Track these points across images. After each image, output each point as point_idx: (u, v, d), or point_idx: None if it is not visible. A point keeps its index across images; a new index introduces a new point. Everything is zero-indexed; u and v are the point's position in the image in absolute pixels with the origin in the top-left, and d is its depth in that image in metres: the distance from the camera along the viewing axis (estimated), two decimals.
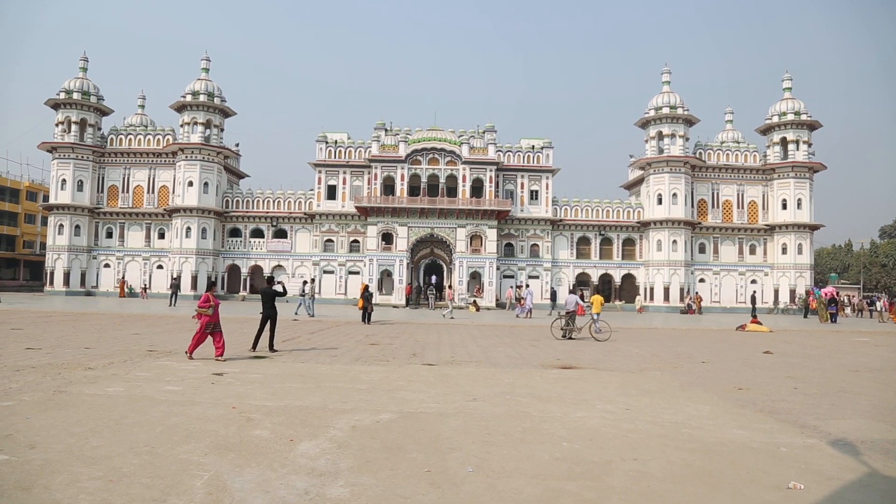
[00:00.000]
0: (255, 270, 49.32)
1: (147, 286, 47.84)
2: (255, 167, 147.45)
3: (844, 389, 10.91)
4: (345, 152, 48.39)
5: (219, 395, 8.66)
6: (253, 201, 49.75)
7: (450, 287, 43.20)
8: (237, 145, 53.62)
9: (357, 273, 47.53)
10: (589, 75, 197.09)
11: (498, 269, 47.10)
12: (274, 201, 49.57)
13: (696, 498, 5.01)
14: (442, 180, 46.44)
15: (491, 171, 46.46)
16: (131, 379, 9.84)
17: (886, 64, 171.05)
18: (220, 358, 12.19)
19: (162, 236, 49.66)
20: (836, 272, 76.05)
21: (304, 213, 48.78)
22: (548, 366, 13.12)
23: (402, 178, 46.22)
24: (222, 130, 49.28)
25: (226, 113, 49.42)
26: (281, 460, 5.66)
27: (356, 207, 46.07)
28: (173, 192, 48.85)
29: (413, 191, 46.79)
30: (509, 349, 16.41)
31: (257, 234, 49.89)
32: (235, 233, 50.05)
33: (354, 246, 48.42)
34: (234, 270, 49.64)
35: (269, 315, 14.11)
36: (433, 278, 44.33)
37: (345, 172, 48.30)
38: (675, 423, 7.74)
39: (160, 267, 49.05)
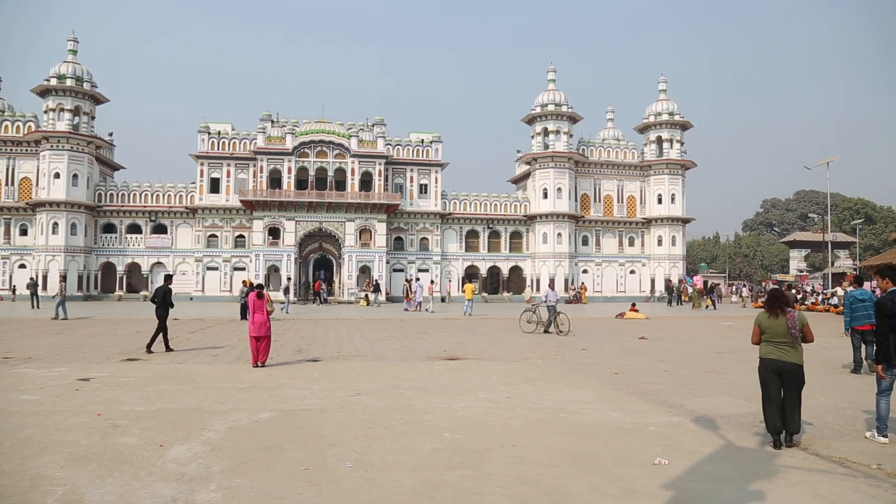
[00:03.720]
0: (133, 268, 46.58)
1: (13, 287, 43.80)
2: (132, 159, 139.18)
3: (709, 370, 11.68)
4: (229, 144, 46.53)
5: (83, 403, 8.10)
6: (129, 195, 46.81)
7: (407, 280, 42.05)
8: (111, 135, 50.38)
9: (243, 269, 45.93)
10: (478, 71, 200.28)
11: (388, 262, 47.00)
12: (153, 195, 46.86)
13: (570, 479, 5.19)
14: (330, 173, 45.73)
15: (380, 164, 46.25)
16: None
17: (748, 72, 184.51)
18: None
19: (25, 233, 45.83)
20: (706, 262, 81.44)
21: (186, 208, 46.55)
22: (434, 358, 13.22)
23: (290, 171, 45.12)
24: (94, 118, 46.01)
25: (97, 99, 46.15)
26: (148, 468, 5.36)
27: (241, 201, 44.52)
28: (37, 184, 45.08)
29: (301, 184, 45.78)
30: (397, 343, 16.40)
31: (134, 229, 46.99)
32: (110, 228, 46.91)
33: (240, 241, 46.78)
34: (108, 269, 46.56)
35: (162, 315, 13.82)
36: (322, 273, 43.65)
37: (229, 165, 46.50)
38: (553, 408, 8.00)
39: (23, 266, 45.19)
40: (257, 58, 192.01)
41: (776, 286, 8.55)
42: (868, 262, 41.54)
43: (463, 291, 30.87)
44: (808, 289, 47.79)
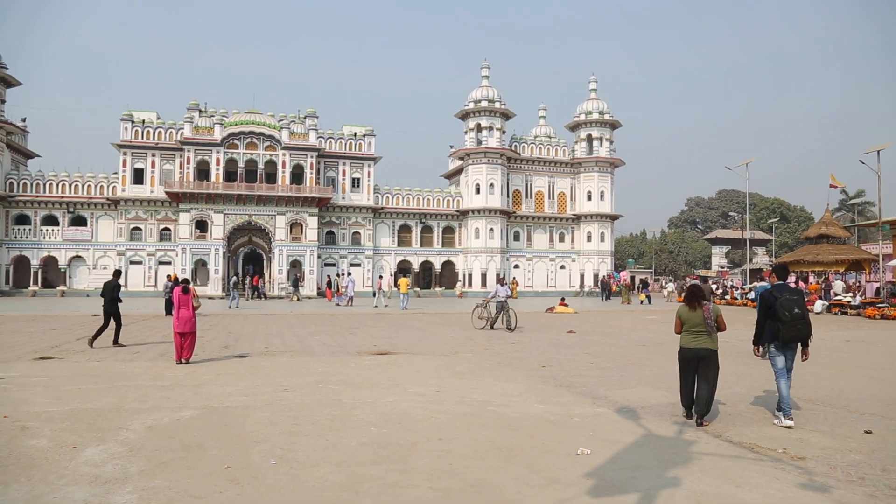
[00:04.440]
0: (49, 262, 44.36)
1: None
2: (48, 147, 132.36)
3: (633, 362, 12.04)
4: (154, 133, 44.86)
5: None
6: (45, 184, 44.44)
7: (338, 275, 41.08)
8: (24, 120, 47.86)
9: (168, 263, 44.48)
10: (412, 66, 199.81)
11: (319, 257, 46.45)
12: (71, 185, 44.64)
13: (495, 471, 5.25)
14: (261, 166, 44.77)
15: (312, 157, 45.59)
16: None
17: (674, 74, 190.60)
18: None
19: None
20: (633, 258, 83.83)
21: (108, 199, 44.64)
22: (364, 353, 13.15)
23: (218, 163, 43.92)
24: (3, 102, 43.53)
25: (8, 82, 43.59)
26: (59, 471, 5.12)
27: (167, 193, 43.02)
28: None
29: (230, 176, 44.63)
30: (327, 337, 16.23)
31: (51, 221, 44.67)
32: (23, 220, 44.44)
33: (165, 234, 45.25)
34: (21, 263, 44.17)
35: (113, 311, 13.63)
36: (251, 268, 42.74)
37: (154, 155, 44.86)
38: (481, 401, 8.08)
39: None
40: (185, 46, 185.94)
41: (695, 282, 9.09)
42: (782, 258, 43.67)
43: (398, 286, 30.95)
44: (729, 284, 49.90)
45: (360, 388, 8.96)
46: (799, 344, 7.20)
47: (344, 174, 48.16)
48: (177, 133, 44.66)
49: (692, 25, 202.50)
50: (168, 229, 45.17)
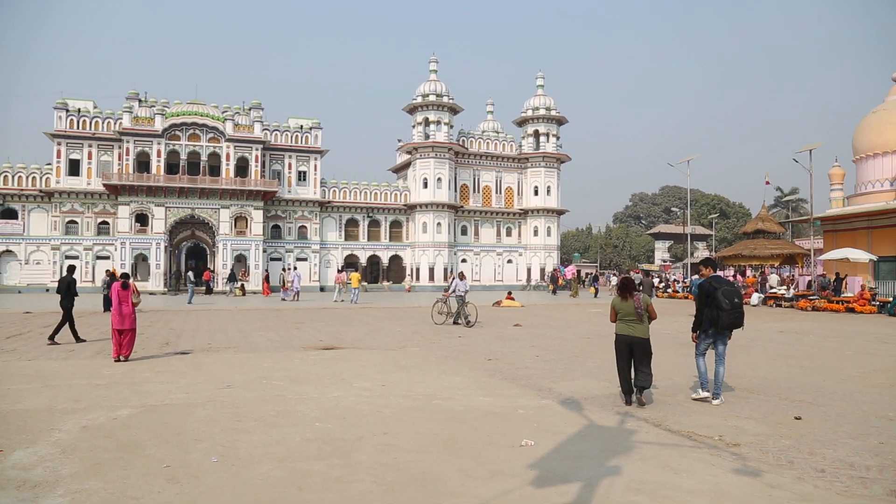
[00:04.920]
0: None
1: None
2: None
3: (577, 355, 12.24)
4: (91, 123, 43.22)
5: None
6: None
7: (284, 270, 40.22)
8: None
9: (107, 258, 42.99)
10: (360, 59, 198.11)
11: (265, 251, 45.67)
12: (0, 175, 42.76)
13: (439, 464, 5.27)
14: (204, 158, 43.74)
15: (257, 149, 44.77)
16: None
17: (619, 71, 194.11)
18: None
19: None
20: (579, 252, 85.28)
21: (40, 191, 42.85)
22: (309, 348, 13.01)
23: (159, 155, 42.70)
24: None
25: None
26: None
27: (105, 185, 41.56)
28: None
29: (172, 168, 43.46)
30: (272, 333, 16.00)
31: None
32: None
33: (103, 228, 43.74)
34: None
35: (68, 305, 13.63)
36: (193, 262, 41.75)
37: (91, 146, 43.25)
38: (427, 395, 8.09)
39: None
40: (123, 34, 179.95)
41: (627, 275, 9.56)
42: (722, 252, 45.04)
43: (349, 280, 30.86)
44: (671, 277, 51.21)
45: (305, 383, 8.86)
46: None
47: (290, 167, 47.46)
48: (115, 123, 43.17)
49: (639, 24, 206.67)
50: (106, 223, 43.69)
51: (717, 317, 7.59)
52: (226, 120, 44.08)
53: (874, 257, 30.16)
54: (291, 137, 47.49)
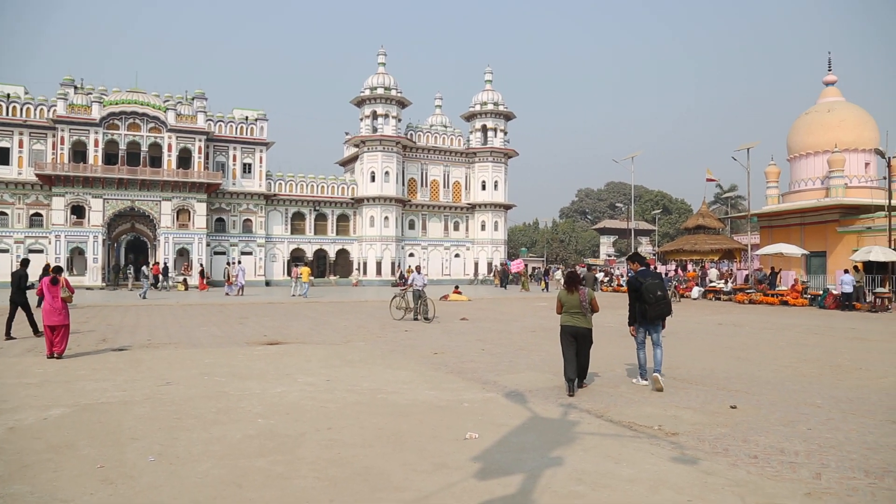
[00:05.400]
0: None
1: None
2: None
3: (522, 348, 12.36)
4: (21, 110, 41.30)
5: None
6: None
7: (229, 264, 38.96)
8: None
9: (41, 251, 41.19)
10: (307, 51, 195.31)
11: (208, 245, 44.63)
12: None
13: (383, 458, 5.24)
14: (144, 148, 42.42)
15: (200, 140, 43.68)
16: None
17: (565, 69, 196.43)
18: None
19: None
20: (526, 247, 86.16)
21: None
22: (253, 343, 12.79)
23: (97, 144, 41.22)
24: None
25: None
26: None
27: (37, 175, 39.82)
28: None
29: (110, 159, 42.00)
30: (215, 328, 15.66)
31: None
32: None
33: (36, 220, 41.95)
34: None
35: (21, 301, 13.50)
36: (132, 256, 40.53)
37: (21, 133, 41.34)
38: (372, 389, 8.04)
39: None
40: (59, 17, 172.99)
41: (571, 270, 9.90)
42: (664, 247, 46.18)
43: (300, 275, 30.61)
44: (616, 272, 52.19)
45: (248, 379, 8.70)
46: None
47: (234, 159, 46.47)
48: (49, 111, 41.37)
49: (586, 24, 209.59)
50: (39, 215, 41.93)
51: (644, 310, 8.14)
52: (168, 109, 42.84)
53: (806, 252, 31.38)
54: (236, 129, 46.48)
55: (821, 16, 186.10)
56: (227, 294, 31.57)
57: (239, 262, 36.84)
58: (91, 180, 40.56)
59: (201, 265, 41.08)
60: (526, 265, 54.66)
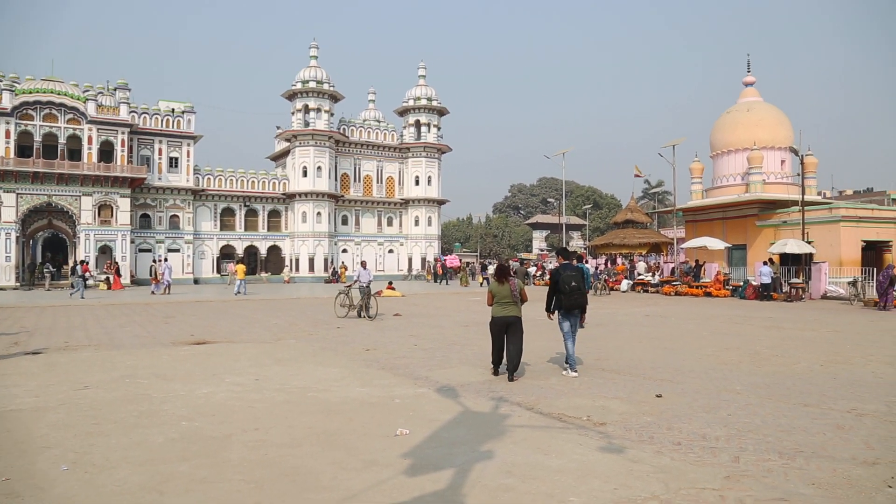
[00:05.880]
0: None
1: None
2: None
3: (455, 342, 12.40)
4: None
5: None
6: None
7: (155, 261, 36.60)
8: None
9: None
10: (237, 42, 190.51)
11: (132, 242, 42.99)
12: None
13: (312, 457, 5.14)
14: (62, 140, 40.44)
15: (123, 133, 41.97)
16: None
17: (498, 65, 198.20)
18: None
19: None
20: (460, 242, 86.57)
21: None
22: (179, 343, 12.37)
23: (9, 136, 39.02)
24: None
25: None
26: None
27: None
28: None
29: (24, 151, 39.81)
30: (138, 329, 15.08)
31: None
32: None
33: None
34: None
35: None
36: (49, 254, 38.62)
37: None
38: (302, 388, 7.90)
39: None
40: None
41: (502, 263, 10.25)
42: (595, 241, 47.19)
43: (235, 272, 30.12)
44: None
45: (173, 380, 8.40)
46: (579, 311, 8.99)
47: (160, 153, 44.86)
48: None
49: (520, 21, 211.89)
50: None
51: (560, 299, 8.74)
52: (87, 100, 40.95)
53: (728, 245, 32.68)
54: (162, 121, 44.88)
55: (738, 20, 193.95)
56: (153, 293, 30.47)
57: (165, 260, 35.56)
58: (2, 174, 38.43)
59: (116, 263, 38.97)
60: (461, 260, 55.02)
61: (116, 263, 38.85)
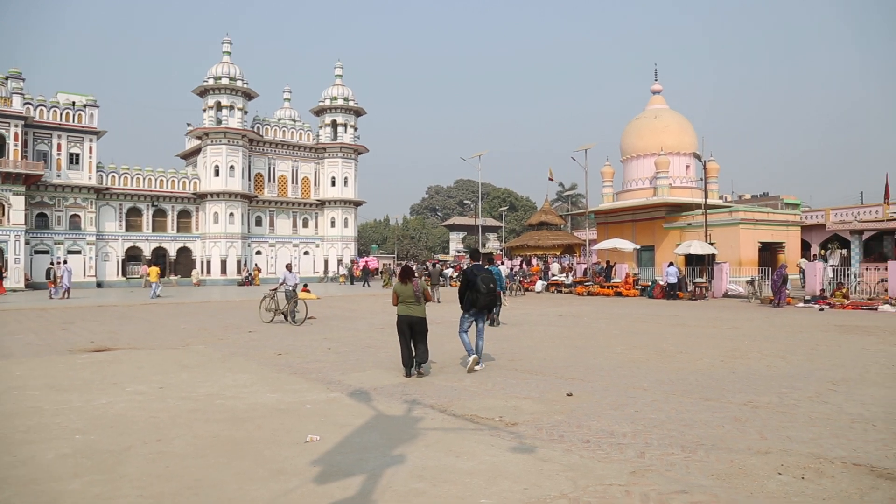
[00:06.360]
0: None
1: None
2: None
3: (370, 345, 12.27)
4: None
5: None
6: None
7: (53, 264, 33.87)
8: None
9: None
10: (145, 34, 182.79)
11: (28, 243, 40.38)
12: None
13: (217, 468, 4.94)
14: None
15: (17, 126, 39.36)
16: None
17: (417, 64, 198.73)
18: None
19: None
20: (377, 243, 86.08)
21: None
22: (78, 350, 11.69)
23: None
24: None
25: None
26: None
27: None
28: None
29: None
30: (32, 336, 14.16)
31: None
32: None
33: None
34: None
35: None
36: None
37: None
38: (209, 395, 7.61)
39: None
40: None
41: (406, 264, 10.35)
42: (510, 243, 47.91)
43: (148, 274, 29.40)
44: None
45: (68, 391, 7.92)
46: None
47: (59, 148, 42.40)
48: None
49: (436, 23, 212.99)
50: None
51: (475, 299, 9.10)
52: None
53: (637, 246, 33.93)
54: (61, 115, 42.40)
55: (646, 34, 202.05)
56: (51, 297, 28.74)
57: (65, 262, 33.52)
58: None
59: (65, 261, 36.48)
60: (378, 261, 54.70)
61: (1, 265, 36.31)
